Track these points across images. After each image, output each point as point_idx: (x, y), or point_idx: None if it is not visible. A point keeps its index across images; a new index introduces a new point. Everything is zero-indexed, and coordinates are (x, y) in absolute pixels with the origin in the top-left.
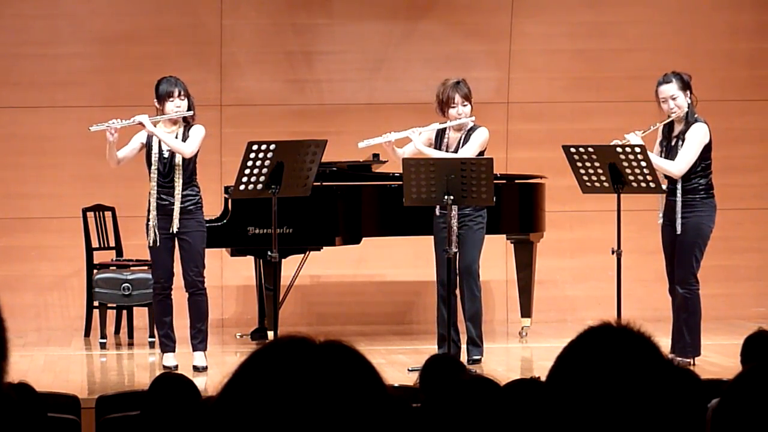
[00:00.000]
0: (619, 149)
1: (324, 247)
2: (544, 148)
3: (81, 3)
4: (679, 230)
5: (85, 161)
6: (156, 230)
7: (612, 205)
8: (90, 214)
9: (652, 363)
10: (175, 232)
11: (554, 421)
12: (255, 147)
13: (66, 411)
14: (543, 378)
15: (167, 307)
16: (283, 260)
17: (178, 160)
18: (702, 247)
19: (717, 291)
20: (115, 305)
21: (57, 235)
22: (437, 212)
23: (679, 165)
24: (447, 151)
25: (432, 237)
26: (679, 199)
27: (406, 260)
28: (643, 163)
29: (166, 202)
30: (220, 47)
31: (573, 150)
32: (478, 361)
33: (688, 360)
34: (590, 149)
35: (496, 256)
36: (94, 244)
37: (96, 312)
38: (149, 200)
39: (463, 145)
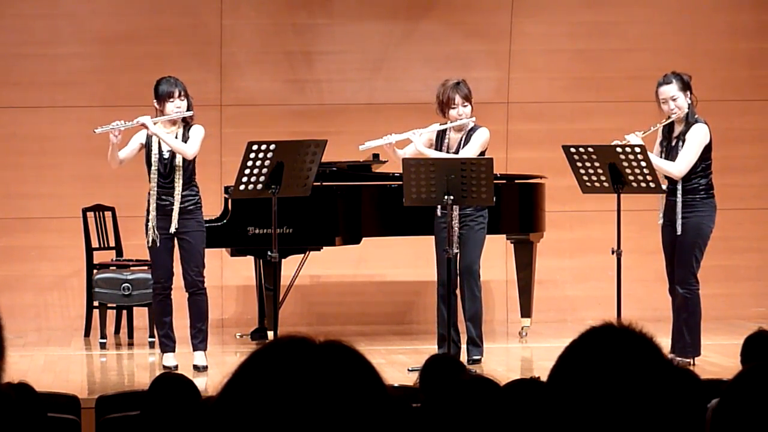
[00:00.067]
0: (619, 149)
1: (324, 247)
2: (544, 148)
3: (81, 3)
4: (679, 230)
5: (85, 161)
6: (155, 230)
7: (612, 205)
8: (90, 214)
9: (653, 364)
10: (174, 232)
11: (555, 421)
12: (255, 147)
13: (66, 411)
14: (543, 378)
15: (167, 307)
16: (283, 260)
17: (179, 160)
18: (702, 247)
19: (717, 291)
20: (115, 305)
21: (57, 235)
22: (438, 212)
23: (680, 166)
24: (448, 151)
25: (432, 237)
26: (679, 199)
27: (406, 260)
28: (643, 163)
29: (166, 203)
30: (220, 47)
31: (573, 150)
32: (478, 361)
33: (688, 360)
34: (590, 149)
35: (496, 256)
36: (94, 244)
37: (96, 312)
38: (148, 200)
39: (463, 146)
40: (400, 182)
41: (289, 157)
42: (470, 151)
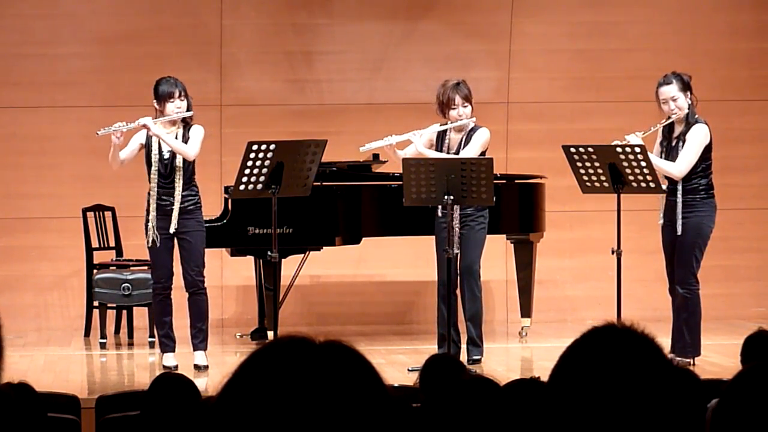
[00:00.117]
0: (619, 149)
1: (324, 247)
2: (544, 148)
3: (81, 3)
4: (679, 231)
5: (85, 161)
6: (155, 231)
7: (612, 205)
8: (90, 214)
9: (654, 365)
10: (174, 232)
11: (556, 421)
12: (255, 147)
13: (66, 411)
14: (543, 378)
15: (167, 307)
16: (283, 260)
17: (179, 161)
18: (702, 247)
19: (717, 291)
20: (115, 305)
21: (57, 235)
22: (439, 213)
23: (680, 166)
24: (448, 152)
25: (433, 237)
26: (679, 199)
27: (406, 260)
28: (643, 163)
29: (166, 203)
30: (220, 47)
31: (573, 150)
32: (478, 361)
33: (688, 360)
34: (590, 149)
35: (496, 256)
36: (94, 244)
37: (96, 312)
38: (148, 200)
39: (464, 147)
40: (400, 182)
41: (289, 157)
42: (471, 152)
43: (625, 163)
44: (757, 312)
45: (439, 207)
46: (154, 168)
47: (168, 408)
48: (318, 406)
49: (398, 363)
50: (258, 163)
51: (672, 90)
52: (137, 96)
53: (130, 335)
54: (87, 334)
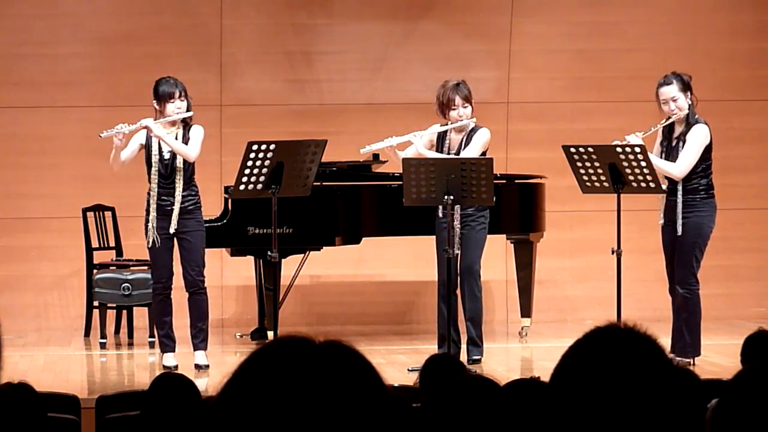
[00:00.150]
0: (619, 149)
1: (324, 247)
2: (544, 148)
3: (81, 3)
4: (680, 231)
5: (85, 161)
6: (155, 231)
7: (612, 205)
8: (90, 214)
9: (657, 366)
10: (174, 232)
11: (557, 421)
12: (255, 147)
13: (66, 411)
14: (543, 378)
15: (167, 307)
16: (283, 260)
17: (179, 161)
18: (702, 248)
19: (717, 291)
20: (115, 305)
21: (57, 235)
22: (440, 213)
23: (680, 167)
24: (449, 153)
25: (433, 237)
26: (679, 199)
27: (406, 260)
28: (643, 163)
29: (167, 203)
30: (220, 47)
31: (573, 150)
32: (478, 361)
33: (688, 360)
34: (590, 149)
35: (496, 256)
36: (94, 244)
37: (96, 312)
38: (148, 201)
39: (465, 147)
40: (400, 182)
41: (289, 157)
42: (471, 152)
43: (625, 163)
44: (757, 312)
45: (440, 207)
46: (154, 169)
47: (168, 408)
48: (318, 406)
49: (398, 363)
50: (258, 163)
51: (672, 90)
52: (137, 96)
53: (130, 335)
54: (87, 334)
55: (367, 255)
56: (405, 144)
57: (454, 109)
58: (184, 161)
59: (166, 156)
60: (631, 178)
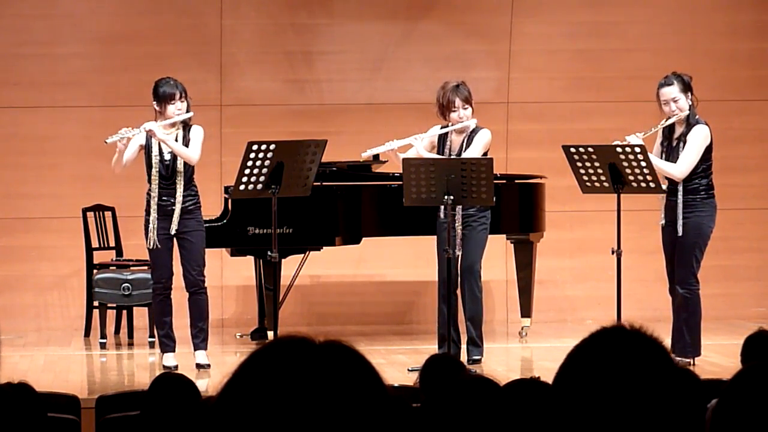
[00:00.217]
0: (619, 149)
1: (324, 247)
2: (544, 148)
3: (81, 3)
4: (680, 232)
5: (85, 161)
6: (156, 232)
7: (612, 205)
8: (90, 214)
9: (664, 369)
10: (174, 233)
11: (561, 420)
12: (255, 147)
13: (66, 411)
14: (543, 378)
15: (167, 307)
16: (283, 260)
17: (180, 163)
18: (702, 248)
19: (717, 291)
20: (115, 305)
21: (57, 235)
22: (441, 215)
23: (681, 168)
24: (450, 154)
25: (433, 237)
26: (680, 199)
27: (406, 260)
28: (643, 163)
29: (167, 203)
30: (220, 47)
31: (573, 150)
32: (478, 361)
33: (688, 360)
34: (590, 149)
35: (496, 256)
36: (94, 244)
37: (96, 312)
38: (148, 201)
39: (466, 148)
40: (400, 182)
41: (289, 157)
42: (473, 153)
43: (625, 163)
44: (757, 312)
45: (442, 209)
46: (154, 170)
47: (168, 408)
48: (318, 406)
49: (398, 363)
50: (258, 163)
51: (673, 91)
52: (137, 96)
53: (130, 335)
54: (87, 334)
55: (367, 255)
56: (406, 147)
57: (454, 111)
58: (185, 162)
59: (167, 157)
60: (631, 178)
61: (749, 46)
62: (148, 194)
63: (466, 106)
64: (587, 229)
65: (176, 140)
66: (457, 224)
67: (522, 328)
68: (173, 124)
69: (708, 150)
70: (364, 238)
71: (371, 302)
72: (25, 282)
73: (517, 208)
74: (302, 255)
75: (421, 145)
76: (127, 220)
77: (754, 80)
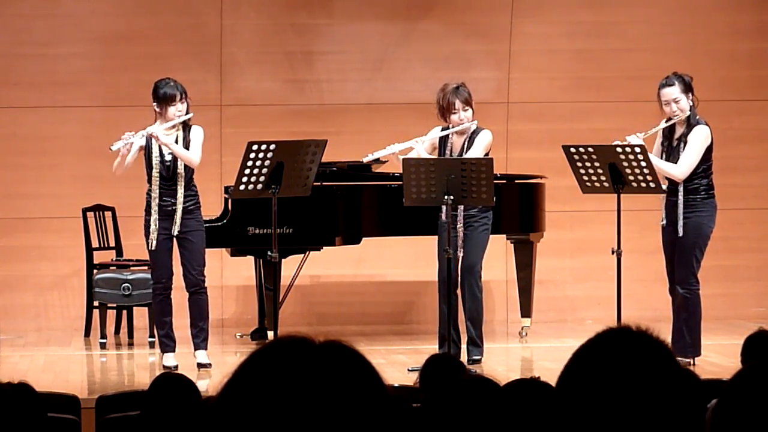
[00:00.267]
0: (619, 149)
1: (324, 247)
2: (544, 148)
3: (81, 3)
4: (680, 232)
5: (85, 161)
6: (156, 232)
7: (612, 205)
8: (90, 214)
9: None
10: (176, 234)
11: (565, 419)
12: (255, 147)
13: (66, 411)
14: (543, 378)
15: (167, 307)
16: (283, 260)
17: (180, 164)
18: (702, 248)
19: (717, 291)
20: (115, 305)
21: (57, 235)
22: (443, 217)
23: (681, 168)
24: (451, 155)
25: (433, 237)
26: (680, 199)
27: (406, 260)
28: (643, 163)
29: (168, 203)
30: (220, 47)
31: (573, 150)
32: (478, 361)
33: (688, 360)
34: (590, 149)
35: (496, 256)
36: (94, 244)
37: (96, 312)
38: (148, 202)
39: (467, 150)
40: (400, 182)
41: (289, 157)
42: (474, 155)
43: (625, 163)
44: (757, 312)
45: (443, 210)
46: (155, 171)
47: (168, 408)
48: (318, 406)
49: (398, 363)
50: (258, 163)
51: (674, 92)
52: (137, 96)
53: (130, 335)
54: (87, 334)
55: (367, 255)
56: (406, 150)
57: (454, 113)
58: (185, 163)
59: (167, 159)
60: (631, 178)
61: (749, 46)
62: (149, 195)
63: (467, 107)
64: (587, 229)
65: (176, 141)
66: (458, 225)
67: (522, 328)
68: (173, 125)
69: (708, 150)
70: (364, 238)
71: (371, 302)
72: (25, 282)
73: (517, 208)
74: (302, 255)
75: (422, 148)
76: (127, 220)
77: (754, 80)
